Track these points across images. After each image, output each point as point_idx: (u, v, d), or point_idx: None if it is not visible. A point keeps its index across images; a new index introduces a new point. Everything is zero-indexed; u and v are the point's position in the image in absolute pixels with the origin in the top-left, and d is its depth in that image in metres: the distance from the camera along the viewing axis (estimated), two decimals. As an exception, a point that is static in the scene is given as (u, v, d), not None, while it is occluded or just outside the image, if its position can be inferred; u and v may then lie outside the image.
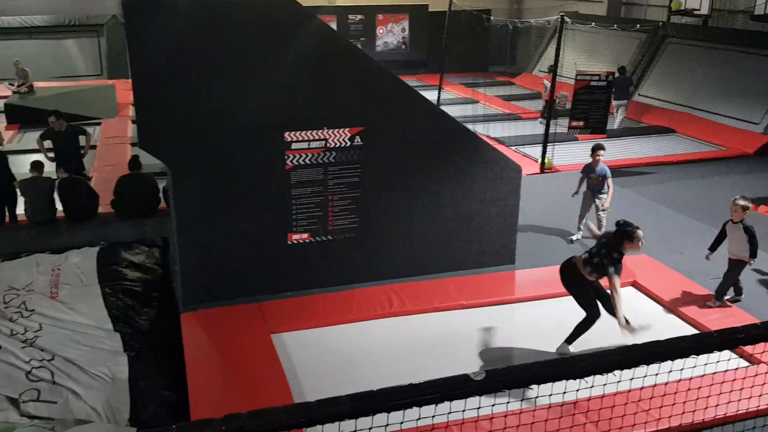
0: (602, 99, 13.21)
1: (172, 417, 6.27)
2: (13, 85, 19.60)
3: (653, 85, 19.94)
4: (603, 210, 9.85)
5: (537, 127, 16.85)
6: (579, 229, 10.07)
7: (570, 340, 7.14)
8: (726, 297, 8.08)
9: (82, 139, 12.05)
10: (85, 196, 10.69)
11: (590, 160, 9.92)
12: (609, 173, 9.88)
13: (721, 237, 8.11)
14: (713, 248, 8.18)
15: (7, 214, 10.65)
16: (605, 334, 7.07)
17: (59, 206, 10.59)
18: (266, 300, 8.14)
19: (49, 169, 11.14)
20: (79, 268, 8.62)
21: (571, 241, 10.02)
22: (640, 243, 6.80)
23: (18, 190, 10.54)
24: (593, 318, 7.01)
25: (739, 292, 8.23)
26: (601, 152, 9.86)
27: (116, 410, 6.23)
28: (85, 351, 7.01)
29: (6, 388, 6.29)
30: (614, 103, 16.20)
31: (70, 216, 10.56)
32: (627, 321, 6.81)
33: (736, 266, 7.98)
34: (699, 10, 19.30)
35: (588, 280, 6.96)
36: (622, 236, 6.79)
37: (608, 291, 6.86)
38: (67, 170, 10.61)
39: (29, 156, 12.47)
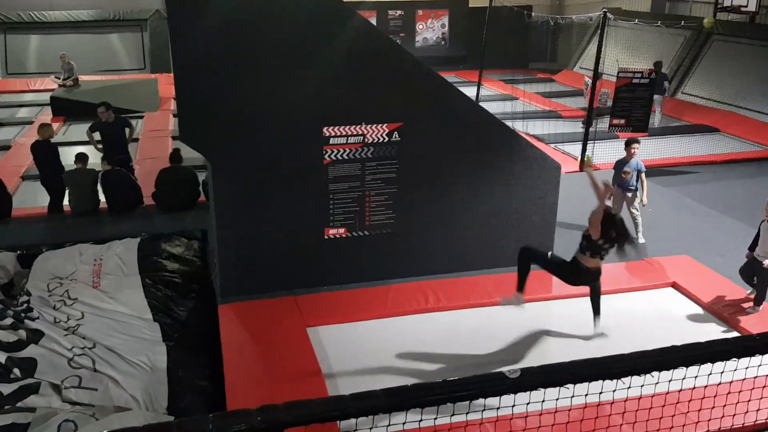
0: (644, 97, 13.00)
1: (208, 406, 6.35)
2: (59, 78, 19.98)
3: (697, 83, 19.58)
4: (640, 206, 9.70)
5: (577, 125, 16.66)
6: None
7: (597, 312, 7.32)
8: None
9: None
10: (128, 188, 10.86)
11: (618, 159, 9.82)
12: (644, 168, 9.76)
13: (759, 237, 7.94)
14: (753, 248, 8.01)
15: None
16: (645, 336, 6.99)
17: (102, 198, 10.80)
18: (303, 294, 8.19)
19: (95, 160, 11.36)
20: (120, 259, 8.76)
21: None
22: None
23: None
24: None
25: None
26: (636, 146, 9.72)
27: (154, 398, 6.34)
28: (125, 340, 7.14)
29: (49, 375, 6.44)
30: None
31: (112, 207, 10.75)
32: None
33: (765, 270, 7.79)
34: (746, 6, 18.88)
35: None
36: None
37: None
38: (112, 162, 10.79)
39: (74, 148, 12.72)
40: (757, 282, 7.84)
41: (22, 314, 7.47)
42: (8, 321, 7.21)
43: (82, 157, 10.72)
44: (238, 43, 7.40)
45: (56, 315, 7.49)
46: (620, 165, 9.77)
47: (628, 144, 9.75)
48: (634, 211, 9.71)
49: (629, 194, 9.68)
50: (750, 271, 7.92)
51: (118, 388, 6.36)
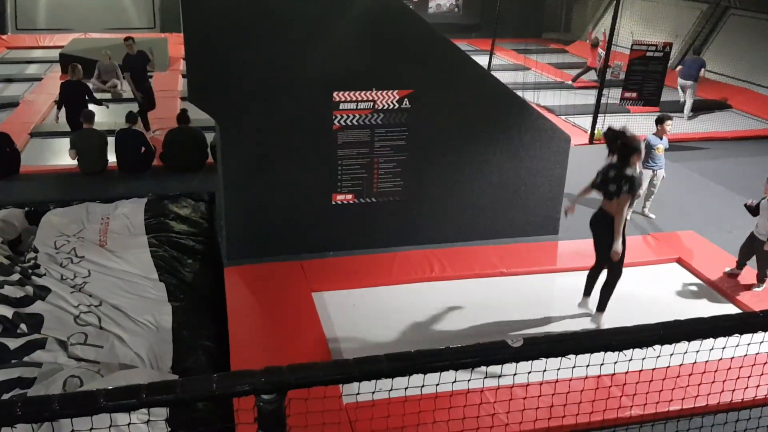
0: (658, 70, 12.88)
1: (212, 367, 6.42)
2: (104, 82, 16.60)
3: (711, 58, 19.33)
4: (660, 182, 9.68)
5: (588, 97, 16.51)
6: (641, 208, 9.90)
7: (602, 307, 7.07)
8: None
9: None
10: (140, 148, 10.83)
11: (651, 133, 9.65)
12: (668, 145, 9.74)
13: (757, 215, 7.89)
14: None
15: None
16: (647, 309, 7.00)
17: (111, 158, 10.80)
18: (308, 258, 8.23)
19: (100, 119, 11.35)
20: (127, 219, 8.79)
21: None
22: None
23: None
24: (619, 274, 6.90)
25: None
26: (670, 122, 9.58)
27: (159, 357, 6.40)
28: (131, 299, 7.19)
29: (55, 331, 6.50)
30: (680, 82, 15.64)
31: (123, 167, 10.75)
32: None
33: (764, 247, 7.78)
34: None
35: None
36: (630, 151, 6.77)
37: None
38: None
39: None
40: (758, 261, 7.82)
41: (30, 270, 7.52)
42: (16, 277, 7.26)
43: (88, 116, 10.66)
44: (249, 4, 7.33)
45: (63, 272, 7.54)
46: (653, 141, 9.55)
47: (662, 121, 9.53)
48: (657, 185, 9.65)
49: (659, 171, 9.59)
50: (749, 250, 7.89)
51: (123, 346, 6.42)
